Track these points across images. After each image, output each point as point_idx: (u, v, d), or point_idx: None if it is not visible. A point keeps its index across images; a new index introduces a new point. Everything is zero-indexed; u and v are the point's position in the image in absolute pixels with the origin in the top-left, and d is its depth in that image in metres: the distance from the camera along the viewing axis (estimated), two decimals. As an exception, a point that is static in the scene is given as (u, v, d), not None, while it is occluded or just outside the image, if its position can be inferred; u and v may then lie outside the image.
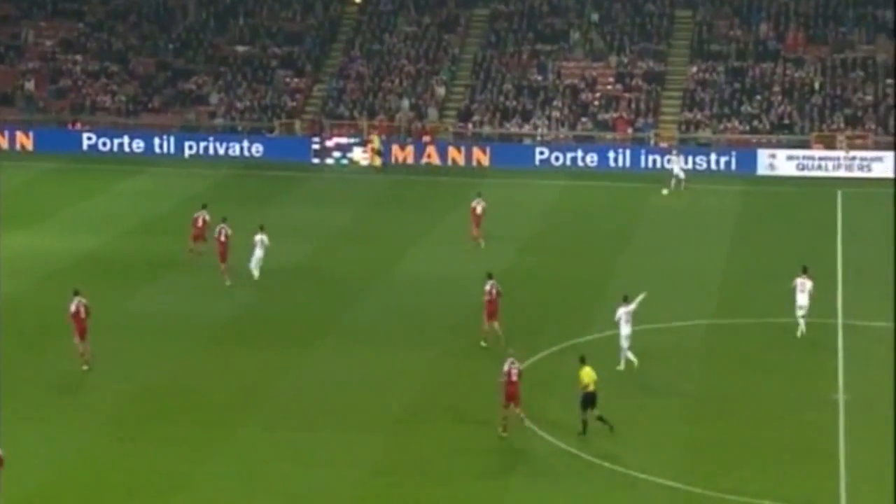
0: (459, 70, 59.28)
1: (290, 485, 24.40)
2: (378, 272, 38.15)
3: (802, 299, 32.11)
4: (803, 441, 26.64)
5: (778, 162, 52.95)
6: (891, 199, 45.88)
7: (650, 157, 53.46)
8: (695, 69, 57.80)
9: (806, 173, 52.40)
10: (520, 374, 26.41)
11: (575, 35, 59.67)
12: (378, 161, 53.09)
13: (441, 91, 58.05)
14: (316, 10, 62.23)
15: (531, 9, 60.99)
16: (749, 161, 53.07)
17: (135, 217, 44.18)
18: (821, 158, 52.73)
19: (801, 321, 32.25)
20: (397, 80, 58.45)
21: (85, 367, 29.78)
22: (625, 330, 29.89)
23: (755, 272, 38.77)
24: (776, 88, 56.52)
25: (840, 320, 33.93)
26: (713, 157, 53.32)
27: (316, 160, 54.18)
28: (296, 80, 59.09)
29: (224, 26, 61.66)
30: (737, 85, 56.85)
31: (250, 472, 24.92)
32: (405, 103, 57.27)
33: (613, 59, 58.58)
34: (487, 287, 31.60)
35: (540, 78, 58.01)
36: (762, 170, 52.85)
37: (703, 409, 28.25)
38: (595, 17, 60.33)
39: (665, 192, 47.77)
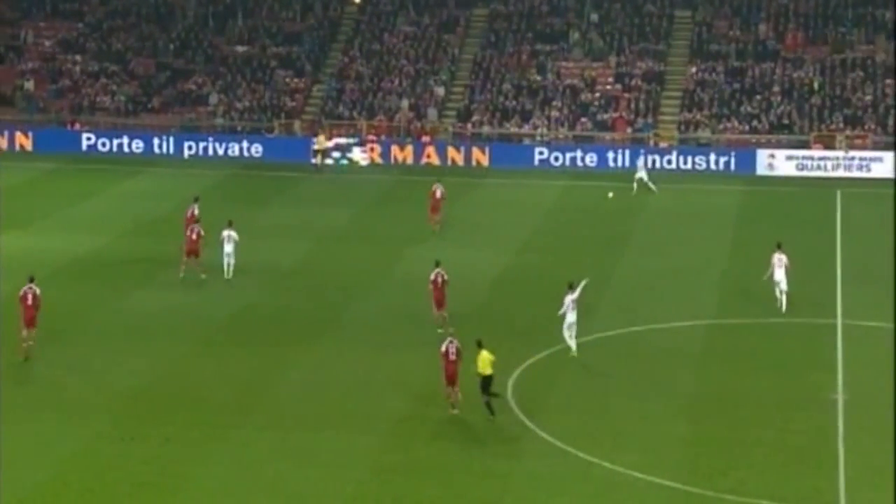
0: (459, 70, 59.30)
1: (290, 484, 24.40)
2: (377, 272, 38.16)
3: (779, 275, 33.36)
4: (802, 441, 26.62)
5: (777, 162, 52.98)
6: (890, 199, 45.88)
7: (650, 158, 53.47)
8: (694, 69, 57.82)
9: (805, 173, 52.45)
10: (458, 352, 27.23)
11: (574, 35, 59.68)
12: (320, 160, 52.66)
13: (440, 91, 58.08)
14: (315, 10, 62.25)
15: (530, 9, 61.02)
16: (748, 161, 53.10)
17: (134, 217, 44.16)
18: (820, 158, 52.77)
19: (783, 297, 33.15)
20: (397, 81, 58.47)
21: (23, 358, 29.82)
22: (570, 318, 30.37)
23: (755, 272, 38.75)
24: (776, 88, 56.55)
25: (839, 320, 33.93)
26: (713, 157, 53.36)
27: (315, 160, 54.16)
28: (295, 80, 59.12)
29: (223, 26, 61.68)
30: (736, 85, 56.88)
31: (249, 471, 24.92)
32: (405, 103, 57.30)
33: (613, 60, 58.60)
34: (432, 276, 32.30)
35: (539, 78, 58.04)
36: (762, 170, 52.89)
37: (702, 408, 28.25)
38: (594, 17, 60.35)
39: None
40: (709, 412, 28.07)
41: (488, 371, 26.77)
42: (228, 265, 36.55)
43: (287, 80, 59.05)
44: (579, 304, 30.53)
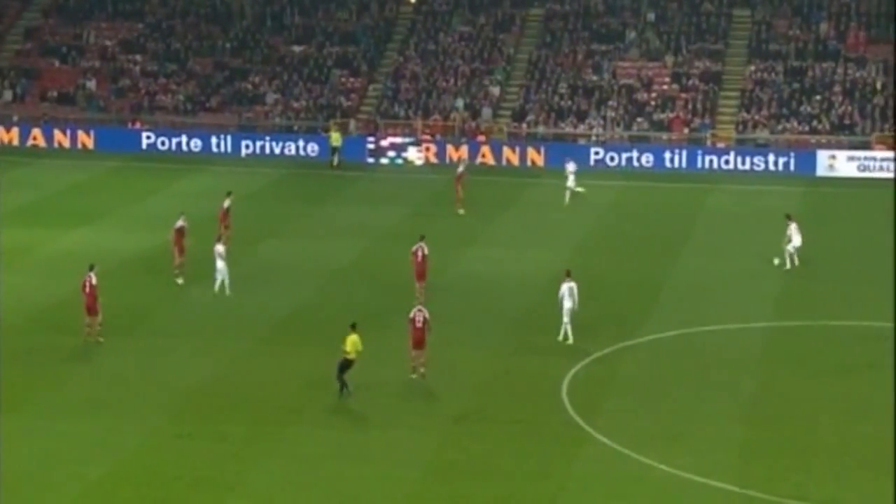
0: (514, 70, 59.15)
1: (344, 483, 24.43)
2: (433, 271, 38.10)
3: (797, 240, 37.70)
4: (863, 446, 26.20)
5: (838, 163, 52.23)
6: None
7: (707, 158, 52.99)
8: (753, 69, 57.20)
9: (867, 174, 51.64)
10: (425, 321, 28.66)
11: (631, 35, 59.29)
12: (336, 158, 52.71)
13: (496, 91, 57.96)
14: (371, 9, 62.41)
15: (586, 8, 60.69)
16: (808, 162, 52.41)
17: (192, 215, 44.51)
18: (882, 160, 51.96)
19: (794, 258, 37.61)
20: (452, 80, 58.45)
21: (101, 339, 31.07)
22: (567, 304, 31.22)
23: (814, 274, 38.27)
24: (836, 88, 55.78)
25: (901, 323, 33.33)
26: (771, 157, 52.73)
27: (371, 159, 54.31)
28: (351, 79, 59.31)
29: (280, 26, 62.04)
30: (796, 85, 56.18)
31: (304, 469, 25.01)
32: (460, 103, 57.26)
33: (670, 59, 58.15)
34: (414, 249, 34.17)
35: (595, 78, 57.72)
36: (822, 171, 52.17)
37: (761, 411, 27.91)
38: (651, 16, 59.92)
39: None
40: (767, 415, 27.72)
41: (351, 355, 27.63)
42: (222, 281, 34.85)
43: (343, 79, 59.25)
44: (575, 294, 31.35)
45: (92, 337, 31.09)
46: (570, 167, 47.24)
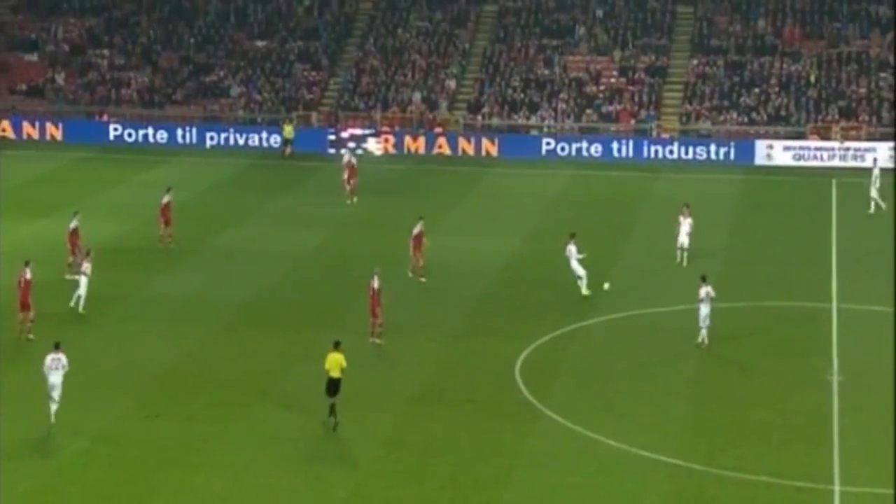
0: (469, 64, 59.08)
1: (307, 460, 24.37)
2: (392, 259, 38.02)
3: (686, 233, 36.11)
4: (799, 420, 26.52)
5: (775, 152, 52.66)
6: (883, 189, 45.56)
7: (653, 148, 53.27)
8: (695, 63, 57.52)
9: (802, 163, 52.11)
10: (378, 287, 29.34)
11: (580, 30, 59.40)
12: (288, 149, 52.57)
13: (452, 84, 57.87)
14: (332, 6, 62.07)
15: (538, 5, 60.71)
16: (747, 151, 52.80)
17: (158, 205, 44.13)
18: (816, 149, 52.45)
19: (684, 254, 36.29)
20: (410, 74, 58.27)
21: (31, 336, 29.95)
22: (576, 269, 33.51)
23: (753, 258, 38.60)
24: (773, 81, 56.22)
25: (834, 304, 33.76)
26: (713, 147, 53.07)
27: (332, 150, 54.07)
28: (313, 73, 58.97)
29: (244, 22, 61.55)
30: (736, 78, 56.55)
31: (268, 448, 24.91)
32: (417, 96, 57.12)
33: (617, 54, 58.32)
34: (416, 230, 35.28)
35: (546, 71, 57.78)
36: (760, 160, 52.58)
37: (703, 389, 28.14)
38: (599, 13, 60.05)
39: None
40: (709, 393, 27.96)
41: (335, 373, 25.12)
42: (79, 297, 31.97)
43: (305, 73, 58.90)
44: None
45: (24, 333, 30.13)
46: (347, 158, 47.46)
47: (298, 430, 25.78)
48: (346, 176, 44.91)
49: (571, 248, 33.86)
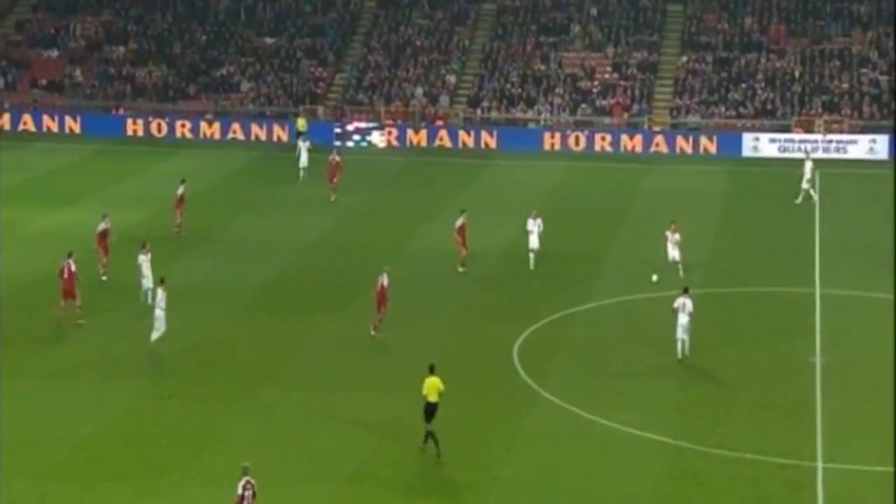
0: (469, 60, 58.87)
1: (314, 440, 24.33)
2: (395, 246, 37.95)
3: (673, 250, 33.94)
4: (783, 401, 26.47)
5: (761, 144, 52.54)
6: (864, 179, 45.49)
7: (644, 141, 53.10)
8: (685, 59, 57.32)
9: (787, 155, 51.96)
10: (386, 285, 28.88)
11: (575, 28, 59.20)
12: (307, 142, 51.92)
13: (452, 79, 57.68)
14: (337, 4, 61.87)
15: (535, 4, 60.48)
16: (734, 144, 52.64)
17: (172, 194, 44.00)
18: (800, 141, 52.33)
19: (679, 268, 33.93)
20: (412, 70, 58.08)
21: (81, 322, 29.80)
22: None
23: (740, 246, 38.50)
24: (759, 77, 56.04)
25: (818, 289, 33.67)
26: (702, 139, 52.92)
27: (338, 143, 53.89)
28: (319, 69, 58.78)
29: (253, 20, 61.36)
30: (723, 74, 56.37)
31: (277, 427, 24.87)
32: (419, 91, 56.93)
33: (610, 50, 58.12)
34: (459, 223, 34.73)
35: (543, 67, 57.60)
36: (747, 152, 52.44)
37: (692, 372, 28.04)
38: (594, 11, 59.84)
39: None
40: (698, 375, 27.87)
41: (433, 398, 23.24)
42: (146, 290, 31.14)
43: (312, 68, 58.71)
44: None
45: (71, 320, 30.01)
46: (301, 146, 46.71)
47: (304, 410, 25.72)
48: (329, 174, 43.62)
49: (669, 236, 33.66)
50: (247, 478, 19.87)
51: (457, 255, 34.84)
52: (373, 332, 29.65)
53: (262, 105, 57.39)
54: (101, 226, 34.25)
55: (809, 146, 49.93)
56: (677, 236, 34.24)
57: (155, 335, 28.51)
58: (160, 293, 28.75)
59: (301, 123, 52.97)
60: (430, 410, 23.23)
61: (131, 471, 22.95)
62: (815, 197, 43.13)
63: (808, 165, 43.93)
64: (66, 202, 42.87)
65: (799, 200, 43.03)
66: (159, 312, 28.43)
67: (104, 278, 33.31)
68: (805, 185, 43.28)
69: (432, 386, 23.32)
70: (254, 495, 19.85)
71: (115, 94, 58.32)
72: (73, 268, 30.28)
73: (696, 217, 41.96)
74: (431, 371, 23.51)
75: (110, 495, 22.09)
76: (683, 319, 27.90)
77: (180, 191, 38.69)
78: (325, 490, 22.36)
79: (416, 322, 30.92)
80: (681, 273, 34.01)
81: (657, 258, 36.65)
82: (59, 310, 30.14)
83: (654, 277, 32.81)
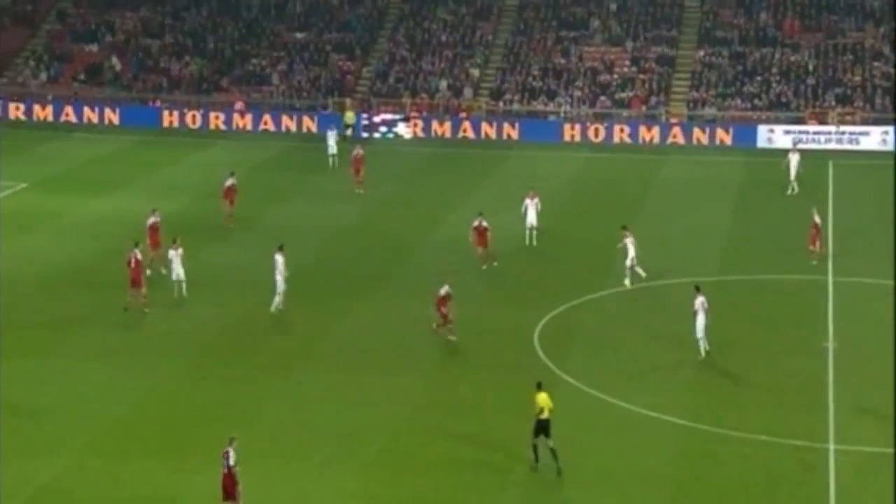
0: (492, 54, 58.63)
1: (341, 420, 24.33)
2: (420, 234, 37.88)
3: (632, 252, 31.87)
4: (796, 384, 26.26)
5: (776, 136, 52.08)
6: (877, 170, 45.03)
7: (662, 132, 52.78)
8: (702, 53, 56.86)
9: (801, 146, 51.46)
10: (448, 295, 27.95)
11: (595, 23, 58.82)
12: (349, 131, 51.54)
13: (475, 73, 57.47)
14: (365, 0, 61.76)
15: (556, -1, 60.19)
16: (750, 135, 52.21)
17: (207, 184, 44.06)
18: (814, 133, 51.85)
19: (637, 269, 31.93)
20: (437, 63, 57.91)
21: (147, 311, 29.89)
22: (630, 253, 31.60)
23: (755, 234, 38.21)
24: (774, 70, 55.54)
25: (830, 276, 33.37)
26: (718, 131, 52.52)
27: (365, 134, 53.83)
28: (347, 62, 58.71)
29: (284, 15, 61.38)
30: (739, 67, 55.90)
31: (306, 409, 24.89)
32: (443, 83, 56.78)
33: (629, 45, 57.74)
34: (475, 223, 33.62)
35: (563, 61, 57.28)
36: (762, 143, 52.00)
37: (708, 356, 27.83)
38: (613, 6, 59.43)
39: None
40: (714, 359, 27.66)
41: (546, 415, 21.93)
42: (180, 283, 30.95)
43: (340, 62, 58.65)
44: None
45: (138, 309, 29.89)
46: (333, 140, 46.28)
47: (335, 391, 25.73)
48: (355, 167, 43.05)
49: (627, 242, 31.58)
50: (227, 448, 19.91)
51: (475, 255, 34.28)
52: (450, 337, 28.31)
53: (291, 97, 57.40)
54: (151, 219, 33.67)
55: (794, 139, 49.21)
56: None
57: (277, 299, 29.57)
58: (279, 259, 29.71)
59: (349, 116, 52.75)
60: (544, 426, 21.93)
61: (167, 448, 23.04)
62: (795, 190, 42.57)
63: (795, 157, 43.35)
64: (105, 191, 43.03)
65: (791, 192, 42.58)
66: (279, 278, 29.44)
67: (148, 272, 32.47)
68: (792, 177, 42.82)
69: (544, 402, 22.06)
70: (231, 466, 19.80)
71: (152, 87, 58.50)
72: (140, 257, 30.14)
73: (712, 206, 41.65)
74: (539, 388, 22.25)
75: (147, 471, 22.19)
76: (703, 321, 26.99)
77: (229, 182, 38.50)
78: (353, 468, 22.35)
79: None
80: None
81: (672, 244, 36.35)
82: (130, 297, 29.95)
83: (627, 282, 31.70)
